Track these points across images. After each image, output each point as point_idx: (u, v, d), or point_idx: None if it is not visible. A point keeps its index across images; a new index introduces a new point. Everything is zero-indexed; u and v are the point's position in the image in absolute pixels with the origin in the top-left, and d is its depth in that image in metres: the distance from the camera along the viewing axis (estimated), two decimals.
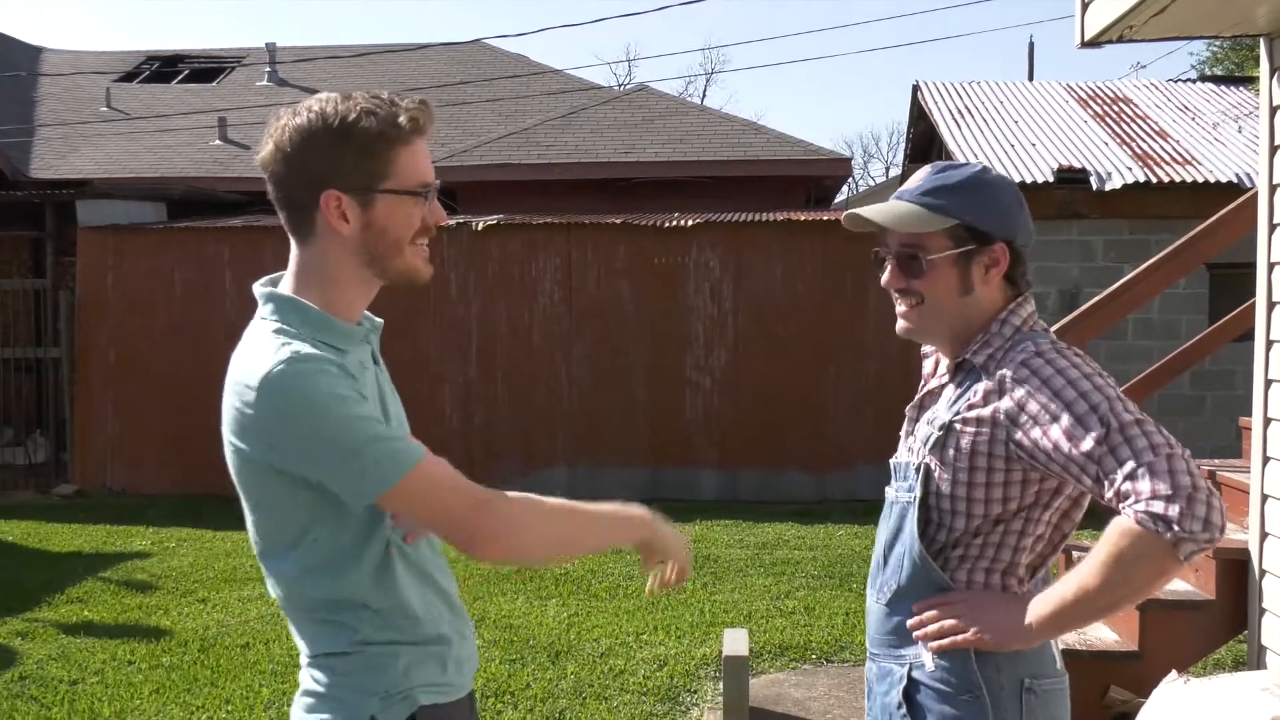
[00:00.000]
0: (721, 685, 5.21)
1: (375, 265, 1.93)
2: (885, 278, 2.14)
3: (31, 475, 12.46)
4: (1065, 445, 1.89)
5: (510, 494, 1.91)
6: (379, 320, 2.08)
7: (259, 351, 1.84)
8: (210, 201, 13.83)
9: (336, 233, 1.90)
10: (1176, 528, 1.78)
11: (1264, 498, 4.42)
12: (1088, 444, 1.86)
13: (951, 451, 2.03)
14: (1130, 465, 1.83)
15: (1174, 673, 3.33)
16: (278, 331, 1.87)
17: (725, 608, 7.06)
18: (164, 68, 20.55)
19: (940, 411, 2.09)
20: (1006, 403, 1.97)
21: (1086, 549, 5.16)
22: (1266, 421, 4.44)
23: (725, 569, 8.12)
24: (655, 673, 5.83)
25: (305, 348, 1.82)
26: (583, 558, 8.47)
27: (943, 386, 2.14)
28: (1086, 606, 1.91)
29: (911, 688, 2.07)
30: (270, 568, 1.97)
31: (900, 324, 2.16)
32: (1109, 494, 1.86)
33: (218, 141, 16.26)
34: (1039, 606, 1.96)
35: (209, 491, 11.44)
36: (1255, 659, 4.45)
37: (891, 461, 2.23)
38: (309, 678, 2.01)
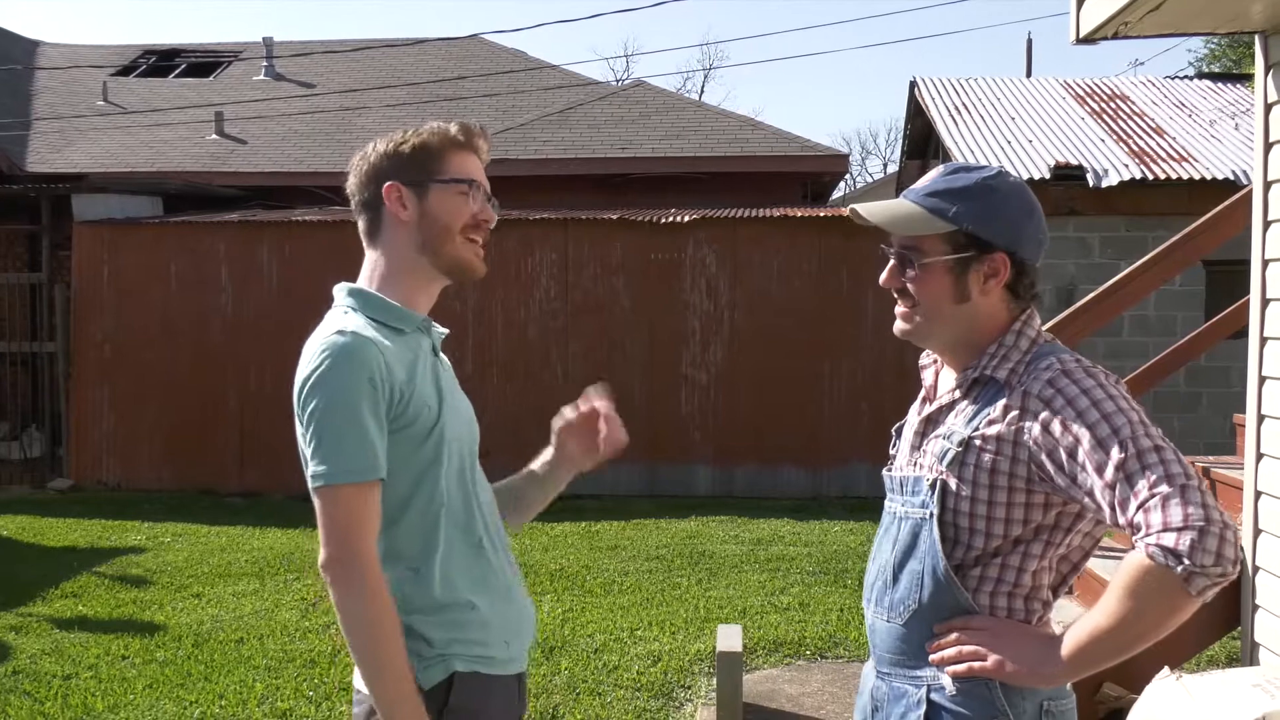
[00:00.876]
0: (715, 681, 5.20)
1: (430, 252, 2.19)
2: (883, 276, 2.10)
3: (26, 470, 12.46)
4: (1083, 470, 1.85)
5: (369, 585, 1.98)
6: (442, 329, 2.31)
7: (324, 326, 2.12)
8: (206, 196, 13.83)
9: (398, 221, 2.19)
10: (1187, 561, 1.73)
11: (1257, 494, 4.42)
12: (1107, 471, 1.82)
13: (971, 469, 1.97)
14: (1144, 495, 1.78)
15: (1166, 669, 3.32)
16: (343, 312, 2.14)
17: (720, 603, 7.06)
18: (161, 62, 20.53)
19: (958, 426, 2.02)
20: (1030, 422, 1.92)
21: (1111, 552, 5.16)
22: (1260, 418, 4.43)
23: (720, 565, 8.12)
24: (649, 668, 5.83)
25: (361, 326, 2.07)
26: (574, 555, 8.47)
27: (954, 402, 2.07)
28: (1104, 645, 1.86)
29: (932, 711, 2.00)
30: None
31: (898, 324, 2.11)
32: (1122, 523, 1.82)
33: (214, 136, 16.24)
34: (1059, 648, 1.91)
35: (204, 487, 11.48)
36: (1248, 655, 4.45)
37: (889, 474, 2.17)
38: None
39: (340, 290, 2.22)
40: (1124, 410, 1.87)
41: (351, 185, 2.24)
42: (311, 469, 2.01)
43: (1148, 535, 1.77)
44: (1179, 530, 1.74)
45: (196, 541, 9.15)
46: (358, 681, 2.08)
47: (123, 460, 11.87)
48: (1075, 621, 1.92)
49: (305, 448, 2.03)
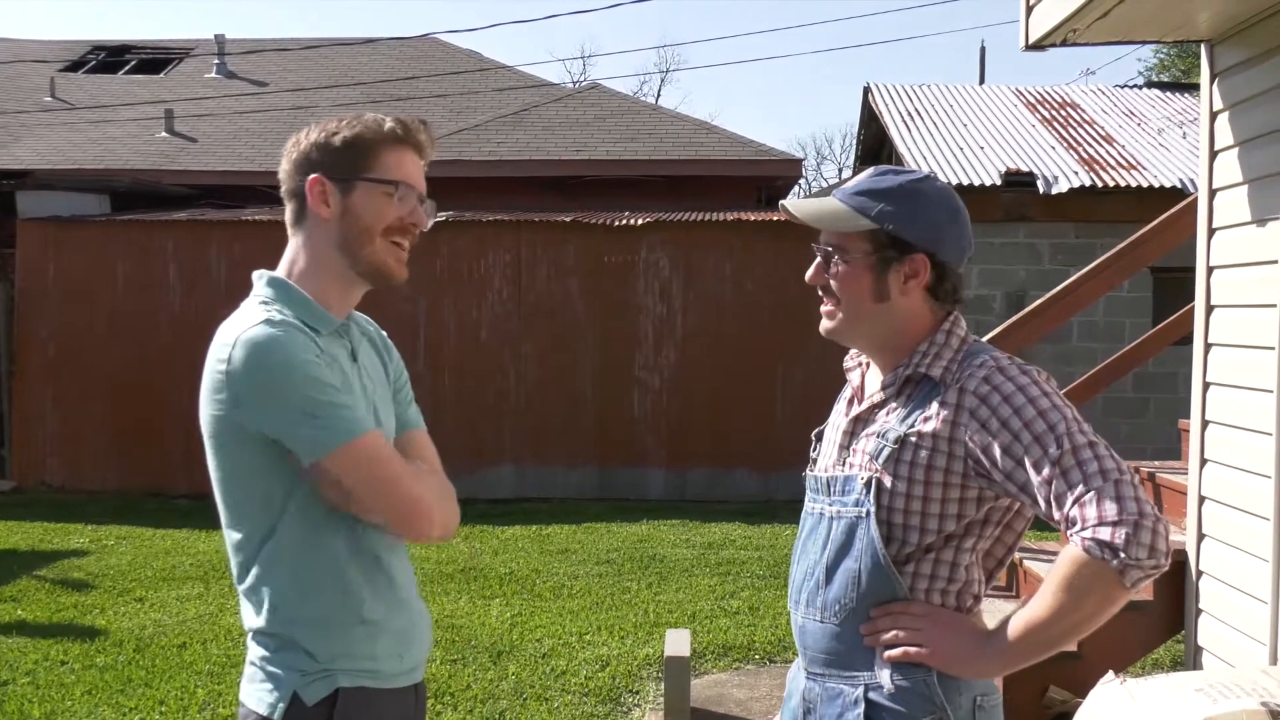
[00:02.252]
0: (664, 686, 5.18)
1: (348, 253, 2.08)
2: (809, 273, 2.13)
3: None
4: (1020, 467, 1.89)
5: (430, 474, 2.12)
6: (370, 328, 2.26)
7: (242, 316, 2.02)
8: (155, 195, 13.65)
9: (319, 218, 2.08)
10: (1123, 554, 1.77)
11: (1201, 499, 4.46)
12: (1042, 466, 1.85)
13: (907, 466, 1.98)
14: (1079, 490, 1.82)
15: (1111, 673, 3.33)
16: (262, 303, 2.04)
17: (670, 608, 7.04)
18: (110, 58, 20.28)
19: (892, 424, 2.03)
20: (966, 419, 1.95)
21: (1034, 551, 5.19)
22: (1204, 424, 4.47)
23: (671, 569, 8.11)
24: (597, 673, 5.80)
25: (283, 316, 1.99)
26: (524, 558, 8.43)
27: (885, 401, 2.08)
28: (1039, 637, 1.90)
29: (870, 710, 2.00)
30: (230, 540, 2.09)
31: (823, 323, 2.14)
32: (1057, 517, 1.86)
33: (164, 134, 16.05)
34: (995, 639, 1.94)
35: (150, 489, 11.33)
36: (1191, 659, 4.49)
37: (815, 475, 2.18)
38: (251, 651, 2.10)
39: (259, 278, 2.12)
40: (1058, 407, 1.91)
41: (281, 171, 2.14)
42: (318, 442, 1.93)
43: (1083, 530, 1.81)
44: (1113, 524, 1.79)
45: (141, 544, 9.02)
46: (243, 695, 2.06)
47: (67, 461, 11.70)
48: (1012, 614, 1.94)
49: (292, 432, 1.94)
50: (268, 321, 1.97)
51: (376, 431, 2.01)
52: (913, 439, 1.99)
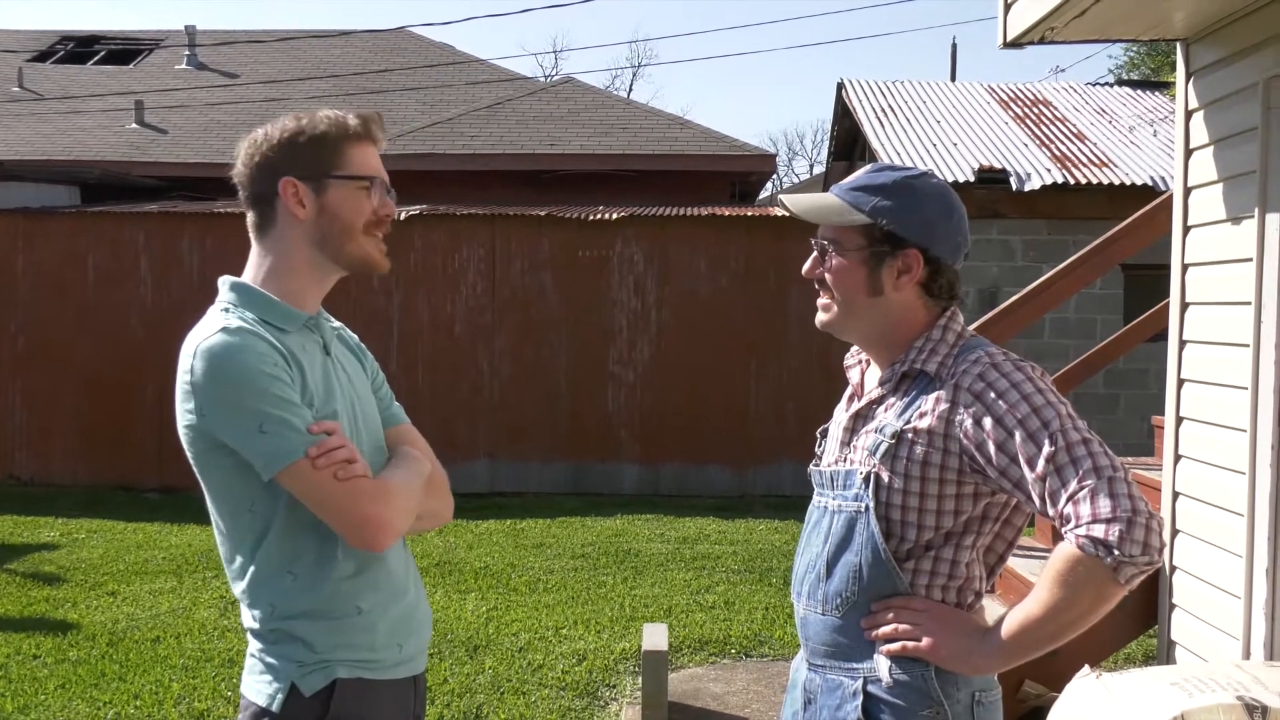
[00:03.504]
0: (640, 680, 5.19)
1: (330, 249, 2.11)
2: (805, 266, 2.15)
3: None
4: (1014, 463, 1.90)
5: (388, 478, 2.09)
6: (345, 333, 2.29)
7: (203, 325, 2.04)
8: (126, 186, 13.55)
9: (294, 218, 2.09)
10: (1117, 552, 1.79)
11: (1175, 495, 4.50)
12: (1038, 464, 1.87)
13: (904, 461, 2.00)
14: (1073, 487, 1.84)
15: (1087, 668, 3.36)
16: (223, 310, 2.06)
17: (645, 602, 7.05)
18: (79, 48, 20.12)
19: (889, 419, 2.06)
20: (961, 414, 1.96)
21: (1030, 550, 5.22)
22: (1179, 420, 4.51)
23: (646, 563, 8.11)
24: (574, 667, 5.81)
25: (242, 323, 2.01)
26: (499, 553, 8.42)
27: (883, 396, 2.10)
28: (1036, 634, 1.92)
29: (869, 702, 2.02)
30: (222, 542, 2.12)
31: (819, 315, 2.17)
32: (1051, 514, 1.87)
33: (134, 125, 15.94)
34: (993, 635, 1.96)
35: (120, 482, 11.25)
36: (1165, 654, 4.54)
37: (818, 470, 2.20)
38: (250, 644, 2.12)
39: (223, 284, 2.13)
40: (1053, 404, 1.92)
41: (240, 175, 2.13)
42: (268, 459, 1.95)
43: (1078, 527, 1.83)
44: (1108, 522, 1.80)
45: (112, 538, 8.96)
46: (243, 687, 2.09)
47: (36, 455, 11.60)
48: (1008, 611, 1.96)
49: (247, 445, 1.96)
50: (225, 329, 1.98)
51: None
52: (909, 435, 2.01)
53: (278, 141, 2.09)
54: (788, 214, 2.15)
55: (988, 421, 1.93)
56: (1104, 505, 1.81)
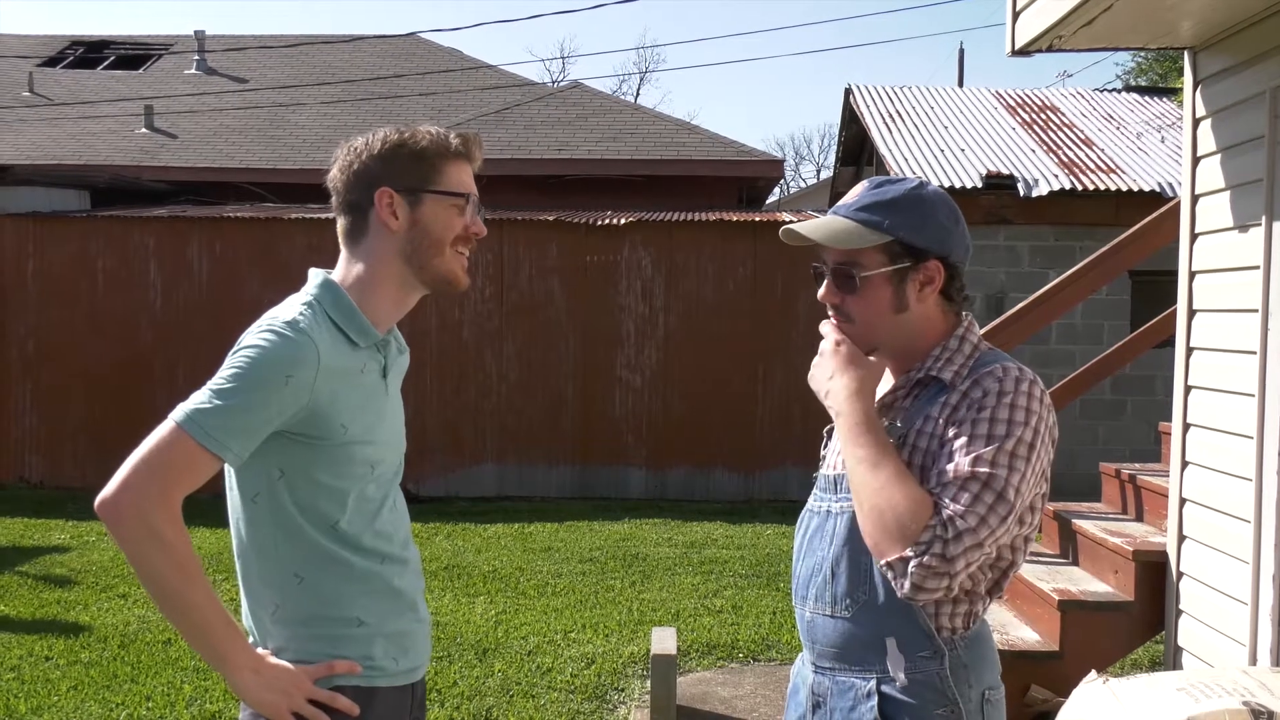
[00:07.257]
0: (649, 684, 5.21)
1: (415, 263, 2.13)
2: (821, 292, 2.13)
3: None
4: (958, 434, 1.96)
5: (159, 523, 1.94)
6: (405, 346, 2.31)
7: (283, 308, 2.08)
8: (135, 190, 13.61)
9: (386, 229, 2.12)
10: (913, 565, 1.87)
11: (1182, 501, 4.52)
12: (970, 450, 1.93)
13: (908, 465, 2.01)
14: (951, 510, 1.89)
15: (1093, 672, 3.38)
16: (305, 304, 2.09)
17: (653, 606, 7.08)
18: (89, 53, 20.19)
19: (897, 423, 2.08)
20: (961, 414, 1.99)
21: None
22: (1186, 427, 4.53)
23: (654, 567, 8.14)
24: (583, 671, 5.83)
25: (312, 326, 2.03)
26: (507, 557, 8.45)
27: (894, 401, 2.12)
28: (852, 444, 2.02)
29: (884, 702, 2.03)
30: (234, 548, 2.16)
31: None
32: (933, 484, 1.94)
33: (144, 130, 15.99)
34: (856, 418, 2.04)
35: None
36: (1171, 659, 4.55)
37: (824, 474, 2.21)
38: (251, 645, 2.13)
39: (315, 276, 2.16)
40: (1023, 424, 1.96)
41: (336, 182, 2.16)
42: (180, 404, 1.97)
43: (942, 504, 1.91)
44: (937, 555, 1.88)
45: None
46: None
47: (46, 458, 11.66)
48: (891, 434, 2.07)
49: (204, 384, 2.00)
50: (293, 324, 2.02)
51: (180, 431, 1.94)
52: (913, 439, 2.04)
53: (378, 152, 2.12)
54: (803, 244, 2.12)
55: (962, 414, 1.98)
56: (953, 545, 1.87)
